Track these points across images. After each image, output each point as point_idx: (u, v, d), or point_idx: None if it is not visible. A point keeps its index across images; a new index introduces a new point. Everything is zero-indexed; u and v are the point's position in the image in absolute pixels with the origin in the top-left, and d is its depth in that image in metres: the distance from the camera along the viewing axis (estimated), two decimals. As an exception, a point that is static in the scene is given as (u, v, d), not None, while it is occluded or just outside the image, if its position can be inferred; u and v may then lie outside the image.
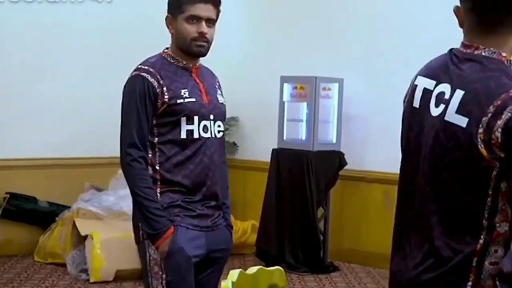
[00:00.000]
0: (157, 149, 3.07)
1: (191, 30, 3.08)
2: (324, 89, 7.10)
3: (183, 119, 3.07)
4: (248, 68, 7.90)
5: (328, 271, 6.93)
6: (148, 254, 3.07)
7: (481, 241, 2.00)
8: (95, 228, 6.38)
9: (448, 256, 2.02)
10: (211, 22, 3.12)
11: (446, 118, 2.01)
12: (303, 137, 7.09)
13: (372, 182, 6.85)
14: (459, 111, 1.98)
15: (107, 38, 7.47)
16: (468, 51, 2.06)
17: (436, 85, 2.09)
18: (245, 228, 7.37)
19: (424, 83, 2.13)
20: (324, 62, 7.33)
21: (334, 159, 7.03)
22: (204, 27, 3.08)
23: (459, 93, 1.99)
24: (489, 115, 1.92)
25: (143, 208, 3.02)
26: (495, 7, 2.02)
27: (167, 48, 3.19)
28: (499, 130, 1.91)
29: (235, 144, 7.97)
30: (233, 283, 2.08)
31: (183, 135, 3.07)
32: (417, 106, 2.12)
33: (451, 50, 2.13)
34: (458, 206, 2.01)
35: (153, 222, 3.01)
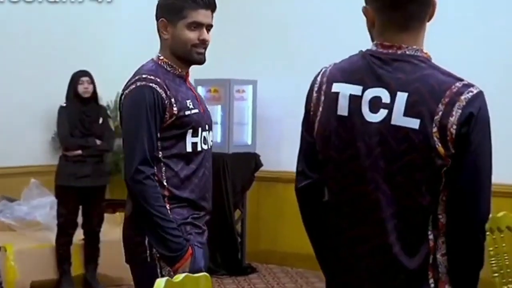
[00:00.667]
0: (162, 164, 2.89)
1: (192, 36, 2.93)
2: (238, 91, 7.13)
3: (189, 132, 2.91)
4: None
5: (247, 272, 6.96)
6: (159, 277, 2.76)
7: (431, 237, 2.04)
8: (8, 239, 6.21)
9: (407, 261, 2.03)
10: (210, 28, 2.99)
11: (393, 122, 2.00)
12: (218, 140, 7.08)
13: (288, 183, 6.82)
14: (408, 113, 1.98)
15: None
16: (390, 51, 2.05)
17: (364, 90, 2.05)
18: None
19: (348, 89, 2.08)
20: (237, 65, 7.35)
21: (250, 161, 7.06)
22: (205, 34, 2.95)
23: (402, 96, 1.99)
24: (440, 113, 1.95)
25: (160, 229, 2.82)
26: (406, 2, 2.02)
27: (159, 54, 3.02)
28: (454, 127, 1.95)
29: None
30: (160, 291, 2.06)
31: (189, 148, 2.92)
32: (346, 114, 2.07)
33: (364, 52, 2.11)
34: (415, 207, 2.02)
35: (172, 244, 2.83)
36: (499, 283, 3.61)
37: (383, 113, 2.02)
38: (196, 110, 2.95)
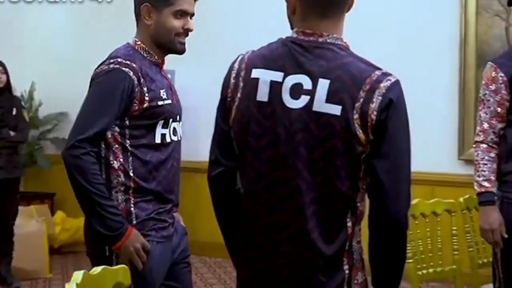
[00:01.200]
0: (129, 154, 2.79)
1: (177, 25, 2.88)
2: (155, 81, 7.08)
3: (160, 123, 2.83)
4: (78, 63, 7.74)
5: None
6: None
7: (349, 224, 2.07)
8: None
9: (325, 248, 2.04)
10: (192, 17, 2.94)
11: (314, 109, 2.01)
12: (136, 130, 7.03)
13: (206, 173, 6.89)
14: (330, 100, 2.00)
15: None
16: (312, 38, 2.07)
17: (285, 77, 2.06)
18: (78, 225, 7.21)
19: (268, 75, 2.08)
20: (154, 54, 7.32)
21: (168, 151, 7.01)
22: (190, 23, 2.91)
23: (324, 83, 2.01)
24: (361, 100, 1.99)
25: (98, 206, 2.69)
26: None
27: (136, 39, 2.93)
28: (374, 113, 1.98)
29: (65, 140, 7.77)
30: (77, 285, 2.03)
31: (158, 139, 2.83)
32: (265, 100, 2.07)
33: (285, 39, 2.12)
34: (335, 194, 2.03)
35: (111, 222, 2.70)
36: (413, 269, 3.69)
37: (304, 99, 2.03)
38: (169, 101, 2.88)
